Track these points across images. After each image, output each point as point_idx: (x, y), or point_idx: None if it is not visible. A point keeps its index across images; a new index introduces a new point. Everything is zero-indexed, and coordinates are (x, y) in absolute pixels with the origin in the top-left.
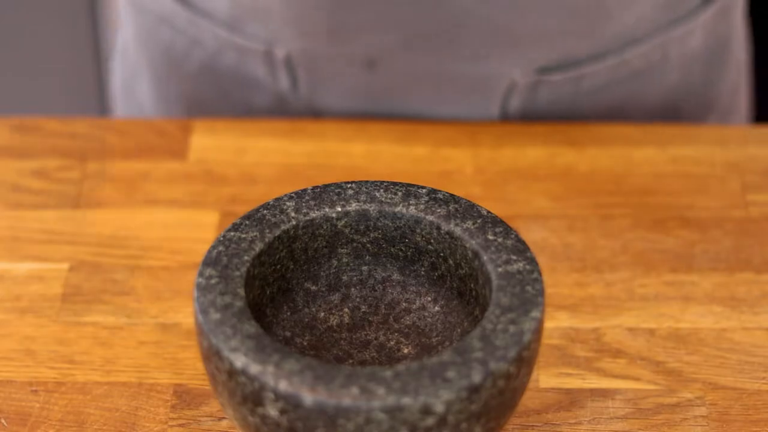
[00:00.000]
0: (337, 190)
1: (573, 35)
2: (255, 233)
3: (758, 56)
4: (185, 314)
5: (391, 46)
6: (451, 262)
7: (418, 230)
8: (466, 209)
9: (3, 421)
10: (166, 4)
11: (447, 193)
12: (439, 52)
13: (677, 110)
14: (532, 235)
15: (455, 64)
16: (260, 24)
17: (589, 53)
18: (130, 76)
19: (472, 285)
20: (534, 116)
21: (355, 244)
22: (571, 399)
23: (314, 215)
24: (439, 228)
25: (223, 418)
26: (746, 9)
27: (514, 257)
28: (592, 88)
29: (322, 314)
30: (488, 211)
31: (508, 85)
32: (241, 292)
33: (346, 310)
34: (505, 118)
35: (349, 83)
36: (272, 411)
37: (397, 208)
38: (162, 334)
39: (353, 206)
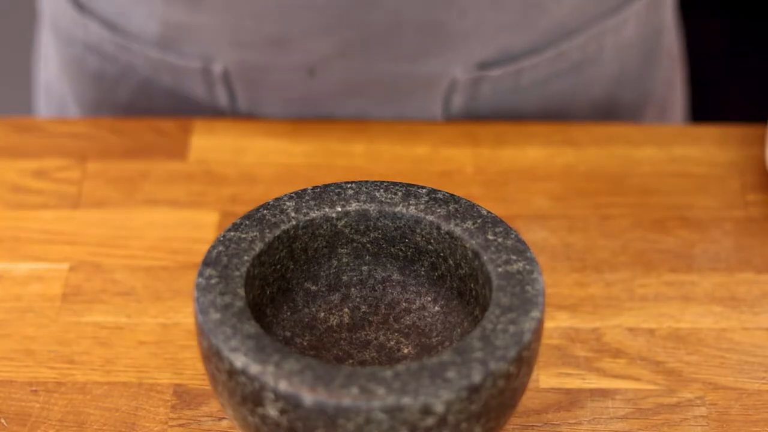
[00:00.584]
0: (337, 190)
1: (509, 29)
2: (255, 233)
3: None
4: (185, 314)
5: (330, 51)
6: (451, 262)
7: (418, 230)
8: (466, 209)
9: (3, 421)
10: (93, 31)
11: (447, 193)
12: (377, 54)
13: (616, 103)
14: (532, 235)
15: (395, 65)
16: (195, 41)
17: (525, 47)
18: (57, 111)
19: (472, 285)
20: (477, 114)
21: (355, 244)
22: (571, 399)
23: (314, 215)
24: (439, 228)
25: (223, 418)
26: (676, 3)
27: (514, 257)
28: (533, 83)
29: (322, 314)
30: (488, 211)
31: (449, 84)
32: (241, 292)
33: (346, 310)
34: (448, 117)
35: (288, 92)
36: (272, 411)
37: (397, 208)
38: (162, 334)
39: (353, 206)
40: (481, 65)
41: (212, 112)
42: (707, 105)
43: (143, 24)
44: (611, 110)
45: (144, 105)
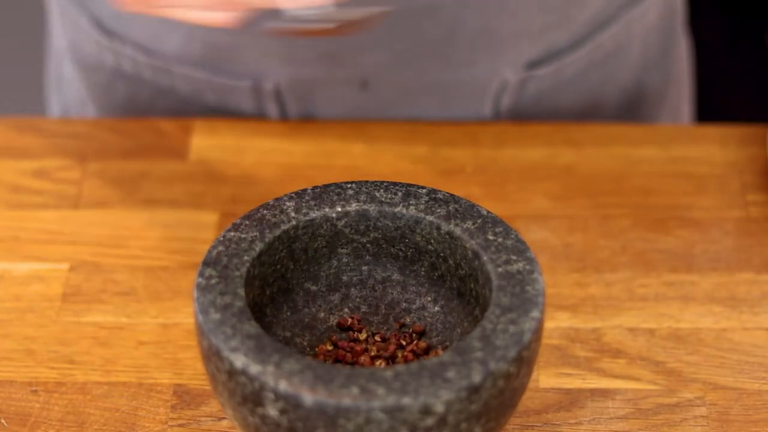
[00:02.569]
0: (337, 190)
1: (553, 27)
2: (255, 233)
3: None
4: (185, 314)
5: (384, 63)
6: (451, 262)
7: (418, 230)
8: (466, 209)
9: (3, 421)
10: (126, 55)
11: (447, 193)
12: (430, 63)
13: (643, 87)
14: (532, 235)
15: (447, 72)
16: (243, 61)
17: (568, 42)
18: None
19: (472, 285)
20: (522, 112)
21: (355, 244)
22: (571, 399)
23: (314, 215)
24: (439, 228)
25: (223, 418)
26: None
27: (514, 257)
28: (571, 77)
29: (322, 314)
30: (488, 211)
31: (499, 85)
32: (241, 292)
33: (346, 310)
34: (497, 117)
35: (340, 104)
36: (272, 411)
37: (397, 209)
38: (162, 334)
39: (353, 206)
40: (530, 65)
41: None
42: (707, 104)
43: (183, 46)
44: (639, 95)
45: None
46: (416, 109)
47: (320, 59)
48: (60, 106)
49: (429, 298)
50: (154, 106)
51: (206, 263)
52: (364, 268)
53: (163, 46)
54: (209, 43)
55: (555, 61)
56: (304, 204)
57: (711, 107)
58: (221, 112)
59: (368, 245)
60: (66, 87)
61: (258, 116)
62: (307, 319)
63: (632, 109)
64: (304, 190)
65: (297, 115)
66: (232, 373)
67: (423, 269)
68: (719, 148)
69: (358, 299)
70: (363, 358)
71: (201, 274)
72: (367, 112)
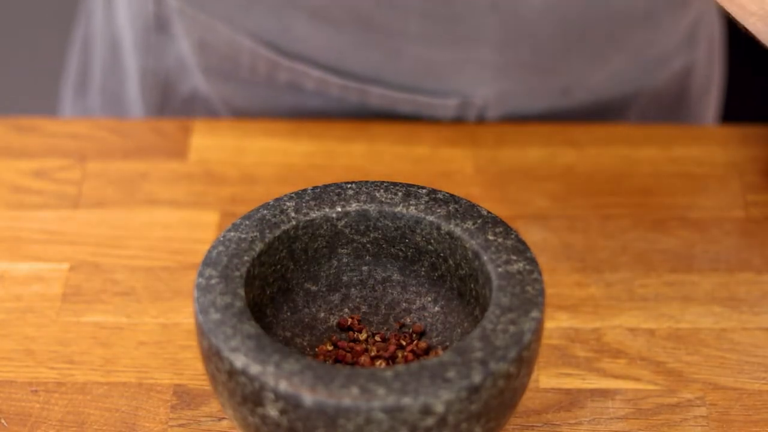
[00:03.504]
0: (337, 191)
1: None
2: (255, 233)
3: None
4: (185, 314)
5: (585, 69)
6: (451, 262)
7: (418, 230)
8: (466, 209)
9: (3, 421)
10: (312, 77)
11: (447, 193)
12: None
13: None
14: (532, 235)
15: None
16: (452, 78)
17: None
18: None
19: (472, 285)
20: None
21: (355, 245)
22: (571, 399)
23: (314, 215)
24: (439, 228)
25: (223, 418)
26: None
27: (514, 257)
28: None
29: (322, 314)
30: (488, 212)
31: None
32: (241, 292)
33: (346, 310)
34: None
35: (539, 112)
36: (272, 411)
37: (397, 209)
38: (162, 334)
39: (353, 206)
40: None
41: None
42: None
43: (382, 64)
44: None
45: None
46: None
47: (530, 72)
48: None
49: (429, 299)
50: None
51: (206, 263)
52: (365, 268)
53: (353, 67)
54: (419, 61)
55: None
56: (304, 204)
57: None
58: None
59: (368, 245)
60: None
61: (455, 120)
62: (307, 320)
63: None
64: (304, 190)
65: (497, 119)
66: (232, 373)
67: (423, 269)
68: (719, 148)
69: (358, 299)
70: (363, 359)
71: (201, 274)
72: (567, 116)
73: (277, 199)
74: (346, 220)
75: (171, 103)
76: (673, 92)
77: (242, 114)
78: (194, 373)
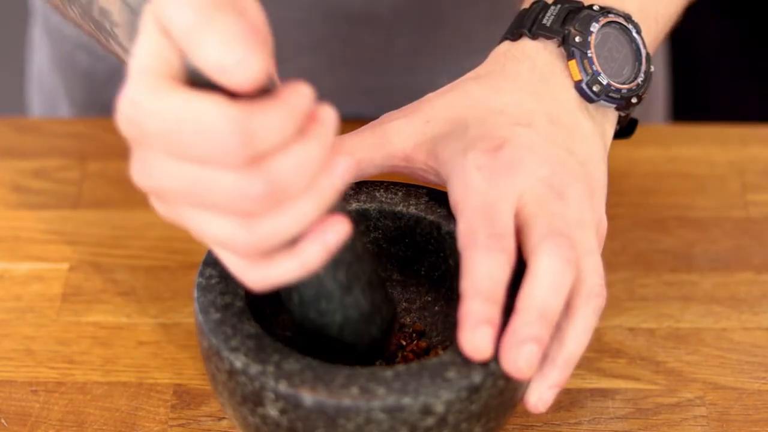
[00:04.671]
0: None
1: (497, 41)
2: None
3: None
4: (185, 314)
5: (319, 67)
6: (451, 262)
7: (419, 230)
8: None
9: (3, 421)
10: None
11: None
12: (367, 67)
13: None
14: None
15: (384, 78)
16: None
17: None
18: (48, 105)
19: None
20: None
21: None
22: (571, 399)
23: None
24: (439, 228)
25: (223, 418)
26: None
27: None
28: None
29: None
30: None
31: None
32: (242, 292)
33: None
34: None
35: None
36: (272, 411)
37: (398, 208)
38: (162, 334)
39: (353, 206)
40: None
41: None
42: (707, 103)
43: None
44: None
45: None
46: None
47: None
48: (36, 75)
49: (429, 298)
50: (109, 83)
51: (206, 263)
52: None
53: None
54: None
55: None
56: None
57: (710, 107)
58: None
59: (368, 245)
60: (38, 56)
61: None
62: None
63: None
64: None
65: None
66: (233, 372)
67: (423, 269)
68: (719, 148)
69: None
70: None
71: (201, 274)
72: None
73: None
74: None
75: None
76: None
77: None
78: (194, 373)
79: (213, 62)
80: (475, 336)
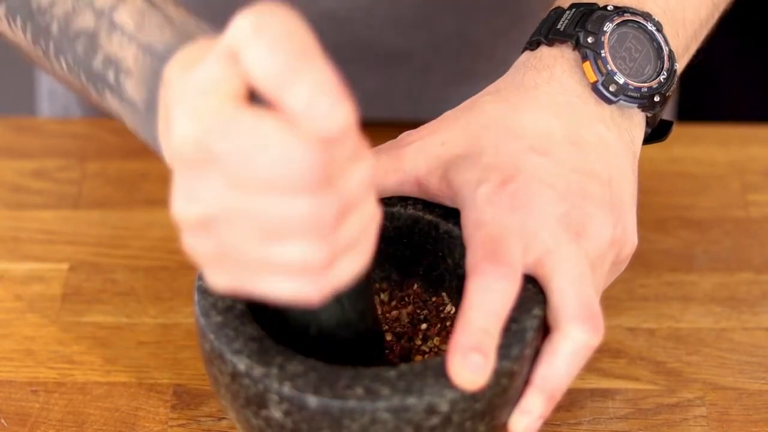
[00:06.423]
0: None
1: None
2: None
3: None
4: (185, 314)
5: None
6: (450, 261)
7: (417, 230)
8: None
9: (3, 421)
10: None
11: None
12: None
13: None
14: None
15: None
16: None
17: None
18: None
19: None
20: None
21: None
22: (571, 399)
23: None
24: (437, 227)
25: (223, 418)
26: None
27: None
28: None
29: None
30: None
31: None
32: None
33: None
34: None
35: None
36: (276, 413)
37: (395, 208)
38: (162, 334)
39: None
40: None
41: None
42: (708, 103)
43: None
44: None
45: None
46: None
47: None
48: (48, 88)
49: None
50: None
51: None
52: None
53: None
54: None
55: None
56: None
57: (710, 106)
58: None
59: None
60: None
61: None
62: None
63: None
64: None
65: None
66: (236, 375)
67: (422, 269)
68: (719, 148)
69: None
70: None
71: (201, 277)
72: None
73: None
74: None
75: None
76: None
77: None
78: (194, 373)
79: (301, 108)
80: (464, 364)
